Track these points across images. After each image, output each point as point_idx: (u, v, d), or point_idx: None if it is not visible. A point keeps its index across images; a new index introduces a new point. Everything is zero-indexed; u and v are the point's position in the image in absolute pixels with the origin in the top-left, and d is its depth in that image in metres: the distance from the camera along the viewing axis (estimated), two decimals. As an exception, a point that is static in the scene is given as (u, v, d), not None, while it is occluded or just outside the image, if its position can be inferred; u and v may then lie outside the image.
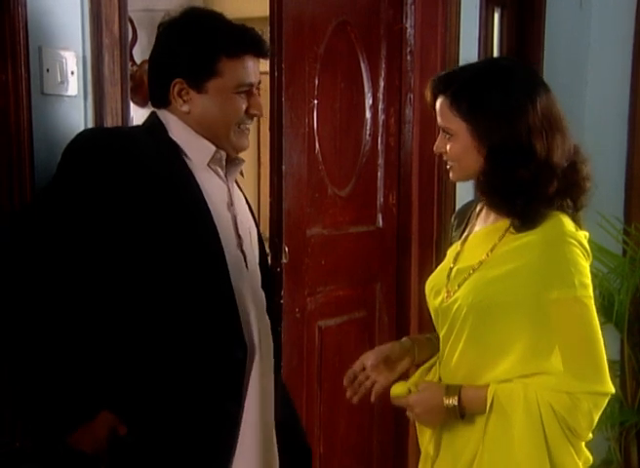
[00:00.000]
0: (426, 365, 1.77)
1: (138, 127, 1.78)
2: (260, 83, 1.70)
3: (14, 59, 1.65)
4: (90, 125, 1.84)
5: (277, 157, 2.46)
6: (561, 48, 3.46)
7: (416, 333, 3.01)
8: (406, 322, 3.04)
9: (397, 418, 2.94)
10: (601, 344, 1.57)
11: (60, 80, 1.77)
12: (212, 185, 1.67)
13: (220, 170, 1.71)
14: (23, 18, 1.66)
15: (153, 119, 1.69)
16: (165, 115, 1.68)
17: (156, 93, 1.69)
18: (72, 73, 1.79)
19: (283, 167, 2.46)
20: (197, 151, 1.66)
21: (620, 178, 3.42)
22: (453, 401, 1.61)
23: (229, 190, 1.72)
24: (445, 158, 1.67)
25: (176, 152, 1.65)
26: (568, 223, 1.61)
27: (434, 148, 1.69)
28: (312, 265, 2.62)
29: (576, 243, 1.58)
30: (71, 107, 1.81)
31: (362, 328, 2.92)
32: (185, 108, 1.64)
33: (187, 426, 1.59)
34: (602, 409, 1.57)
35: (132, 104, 2.01)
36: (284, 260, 2.46)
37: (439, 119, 1.64)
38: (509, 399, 1.56)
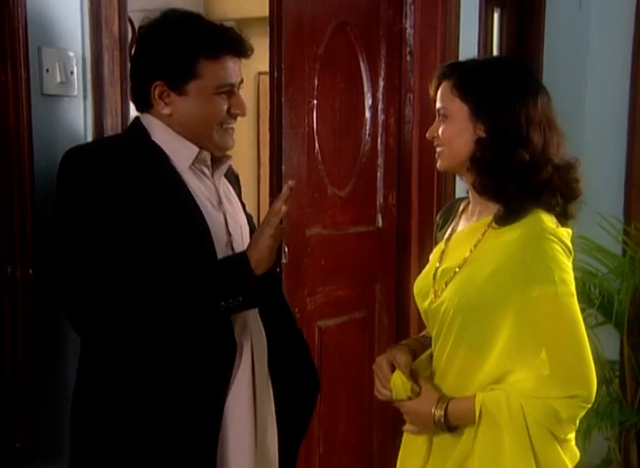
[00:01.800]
0: (424, 355, 1.76)
1: (118, 135, 1.79)
2: (242, 82, 1.69)
3: (13, 60, 1.65)
4: (90, 125, 1.84)
5: (277, 157, 2.46)
6: (561, 48, 3.46)
7: (415, 333, 3.01)
8: (406, 322, 3.04)
9: (397, 418, 2.94)
10: (584, 341, 1.56)
11: (59, 80, 1.77)
12: (198, 185, 1.67)
13: (205, 169, 1.70)
14: (23, 18, 1.66)
15: (135, 124, 1.70)
16: (147, 119, 1.68)
17: (138, 96, 1.69)
18: (72, 73, 1.80)
19: (282, 167, 2.46)
20: (180, 154, 1.65)
21: (619, 178, 3.43)
22: (439, 412, 1.62)
23: (217, 189, 1.72)
24: (435, 143, 1.70)
25: (159, 155, 1.64)
26: (548, 220, 1.61)
27: (427, 133, 1.71)
28: (312, 265, 2.62)
29: (556, 239, 1.59)
30: (71, 107, 1.81)
31: (362, 328, 2.92)
32: (167, 111, 1.63)
33: (171, 421, 1.59)
34: (583, 411, 1.57)
35: (132, 104, 2.00)
36: (284, 260, 2.46)
37: (438, 102, 1.67)
38: (496, 407, 1.56)
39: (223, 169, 1.75)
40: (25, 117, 1.68)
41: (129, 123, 1.94)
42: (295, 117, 2.49)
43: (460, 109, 1.62)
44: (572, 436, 1.62)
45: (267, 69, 2.44)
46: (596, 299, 3.04)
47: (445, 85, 1.65)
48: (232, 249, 1.71)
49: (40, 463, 1.77)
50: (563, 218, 1.65)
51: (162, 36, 1.63)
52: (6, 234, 1.69)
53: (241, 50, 1.66)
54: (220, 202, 1.71)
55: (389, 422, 2.97)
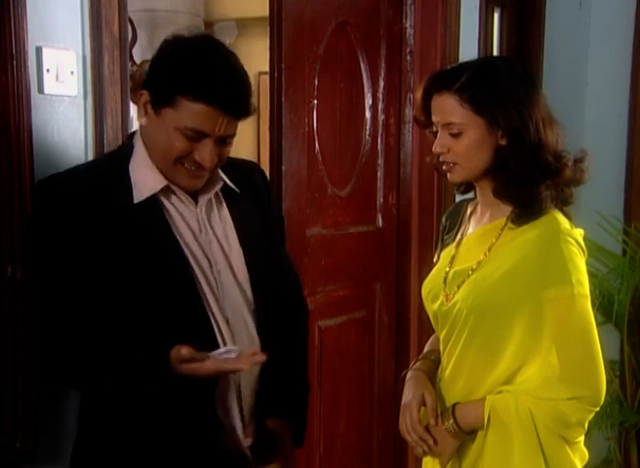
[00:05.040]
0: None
1: (99, 161, 1.74)
2: (230, 137, 1.57)
3: (13, 60, 1.65)
4: (90, 125, 1.84)
5: (277, 157, 2.46)
6: (561, 48, 3.46)
7: (415, 333, 3.01)
8: (406, 322, 3.04)
9: (397, 418, 2.94)
10: (596, 344, 1.57)
11: (59, 80, 1.77)
12: (181, 210, 1.62)
13: (182, 197, 1.63)
14: (23, 18, 1.66)
15: (125, 145, 1.66)
16: (136, 139, 1.63)
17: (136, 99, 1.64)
18: (72, 73, 1.80)
19: (283, 167, 2.46)
20: (143, 185, 1.58)
21: (620, 178, 3.43)
22: (449, 422, 1.61)
23: (197, 215, 1.64)
24: (443, 158, 1.64)
25: (126, 187, 1.58)
26: (563, 221, 1.61)
27: (437, 148, 1.64)
28: (312, 265, 2.62)
29: (572, 240, 1.59)
30: (71, 107, 1.81)
31: (362, 328, 2.92)
32: (143, 121, 1.59)
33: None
34: (591, 414, 1.57)
35: (132, 104, 2.00)
36: (284, 260, 2.46)
37: (440, 116, 1.61)
38: (504, 411, 1.56)
39: (209, 193, 1.66)
40: (25, 117, 1.68)
41: (128, 122, 1.95)
42: (295, 117, 2.49)
43: (475, 122, 1.58)
44: (581, 438, 1.62)
45: (267, 69, 2.44)
46: (596, 299, 3.03)
47: (447, 98, 1.59)
48: (215, 278, 1.63)
49: (40, 463, 1.77)
50: (565, 205, 1.64)
51: (170, 55, 1.57)
52: (6, 234, 1.69)
53: (229, 108, 1.53)
54: (201, 230, 1.64)
55: (389, 422, 2.98)
